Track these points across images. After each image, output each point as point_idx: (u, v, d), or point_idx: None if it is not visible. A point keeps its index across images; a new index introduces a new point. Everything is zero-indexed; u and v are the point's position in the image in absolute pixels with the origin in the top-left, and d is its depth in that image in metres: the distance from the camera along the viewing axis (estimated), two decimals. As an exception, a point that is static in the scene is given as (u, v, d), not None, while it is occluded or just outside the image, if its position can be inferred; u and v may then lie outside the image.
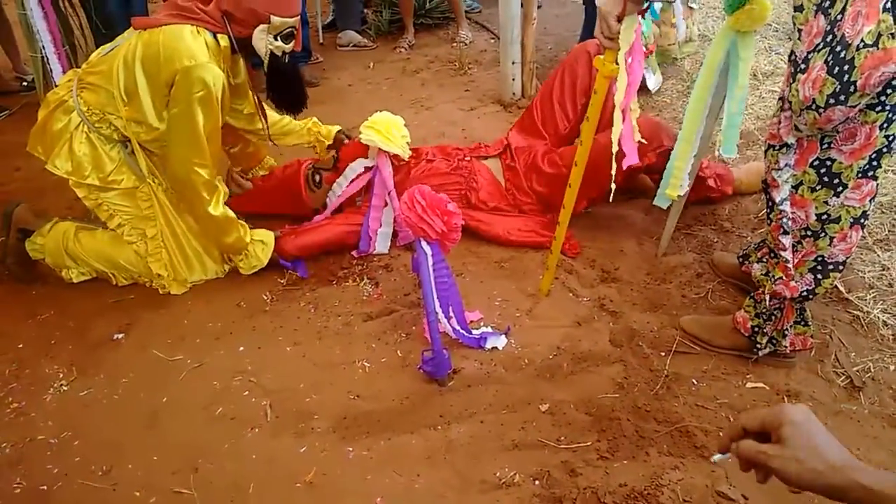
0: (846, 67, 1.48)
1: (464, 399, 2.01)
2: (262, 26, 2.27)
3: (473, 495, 1.74)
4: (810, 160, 1.74)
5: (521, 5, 3.52)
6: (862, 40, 1.43)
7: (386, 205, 2.65)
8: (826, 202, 1.75)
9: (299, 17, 2.34)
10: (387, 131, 2.62)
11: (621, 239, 2.65)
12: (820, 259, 1.82)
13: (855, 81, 1.48)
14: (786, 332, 1.99)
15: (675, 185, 2.30)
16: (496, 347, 2.18)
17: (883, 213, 2.61)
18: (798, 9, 1.60)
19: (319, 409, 2.02)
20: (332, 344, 2.26)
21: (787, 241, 1.84)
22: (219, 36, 2.27)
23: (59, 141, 2.35)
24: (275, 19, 2.26)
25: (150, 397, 2.10)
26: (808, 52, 1.55)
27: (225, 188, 2.45)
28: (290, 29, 2.32)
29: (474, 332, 2.22)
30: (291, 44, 2.38)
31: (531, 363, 2.13)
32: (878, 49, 1.41)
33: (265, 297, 2.47)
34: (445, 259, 2.13)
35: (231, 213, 2.44)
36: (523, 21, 3.57)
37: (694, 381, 2.03)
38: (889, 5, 1.39)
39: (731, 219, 2.73)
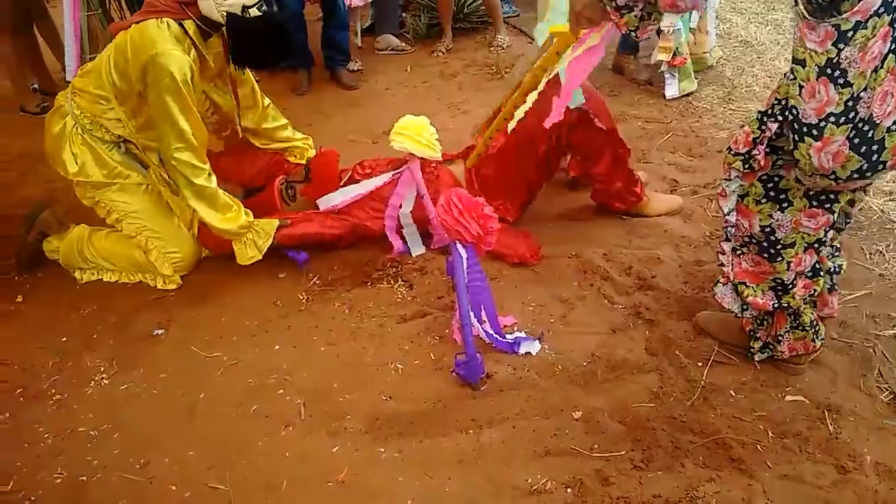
0: (875, 147, 1.50)
1: (496, 404, 2.01)
2: None
3: (505, 501, 1.74)
4: (760, 174, 1.78)
5: (561, 10, 3.50)
6: (894, 122, 1.46)
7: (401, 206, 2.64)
8: (770, 216, 1.80)
9: None
10: (417, 135, 2.58)
11: (658, 246, 2.61)
12: (779, 280, 1.88)
13: (885, 161, 1.51)
14: (780, 338, 1.98)
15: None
16: (530, 353, 2.17)
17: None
18: (799, 63, 1.54)
19: (352, 410, 2.03)
20: (365, 345, 2.27)
21: (727, 247, 1.97)
22: (185, 23, 2.32)
23: (59, 143, 2.50)
24: None
25: (187, 393, 2.14)
26: (820, 120, 1.52)
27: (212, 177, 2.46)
28: None
29: (508, 336, 2.21)
30: None
31: (565, 369, 2.12)
32: None
33: (301, 297, 2.50)
34: (480, 263, 2.13)
35: (225, 195, 2.47)
36: (562, 26, 3.55)
37: (732, 392, 2.00)
38: None
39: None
